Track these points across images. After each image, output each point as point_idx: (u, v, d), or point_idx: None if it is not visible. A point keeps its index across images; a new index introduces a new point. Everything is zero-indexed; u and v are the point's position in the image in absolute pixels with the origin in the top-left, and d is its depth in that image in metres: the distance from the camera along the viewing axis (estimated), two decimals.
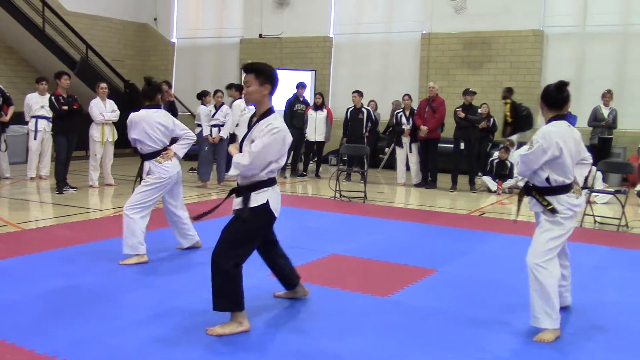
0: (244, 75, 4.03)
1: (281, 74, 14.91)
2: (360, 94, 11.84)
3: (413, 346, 3.68)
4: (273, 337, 3.77)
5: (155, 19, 18.41)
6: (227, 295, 3.77)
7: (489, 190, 10.91)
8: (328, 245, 6.25)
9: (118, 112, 10.20)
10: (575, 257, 5.34)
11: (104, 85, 10.27)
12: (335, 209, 8.71)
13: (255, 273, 5.13)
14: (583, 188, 10.13)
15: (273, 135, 3.80)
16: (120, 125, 10.38)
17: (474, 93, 11.17)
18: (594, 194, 9.06)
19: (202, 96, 11.37)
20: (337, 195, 9.53)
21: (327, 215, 8.19)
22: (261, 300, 4.46)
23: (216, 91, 10.84)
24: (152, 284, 4.84)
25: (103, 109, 10.02)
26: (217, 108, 10.65)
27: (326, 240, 6.58)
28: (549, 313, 3.83)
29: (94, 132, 10.00)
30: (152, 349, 3.53)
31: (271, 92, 4.04)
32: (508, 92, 11.65)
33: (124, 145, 9.62)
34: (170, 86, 11.41)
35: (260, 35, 16.66)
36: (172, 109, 10.43)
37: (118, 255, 5.50)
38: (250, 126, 3.98)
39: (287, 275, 4.43)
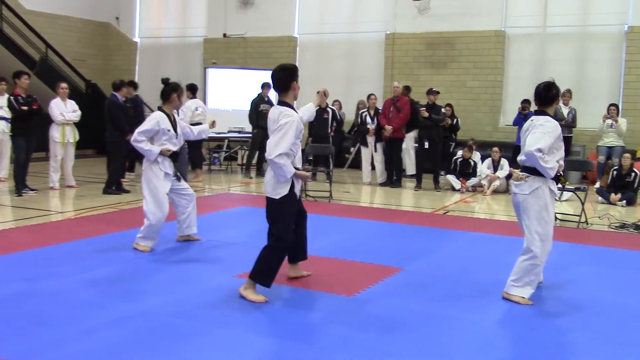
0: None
1: (246, 74, 14.97)
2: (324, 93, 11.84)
3: (379, 345, 3.69)
4: (238, 339, 3.74)
5: (117, 18, 18.14)
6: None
7: (453, 189, 11.03)
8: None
9: (79, 112, 10.03)
10: None
11: (64, 85, 10.09)
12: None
13: (221, 274, 5.11)
14: None
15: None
16: (82, 126, 10.31)
17: (438, 92, 11.27)
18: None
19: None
20: (303, 195, 9.52)
21: None
22: (226, 302, 4.42)
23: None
24: (117, 286, 4.75)
25: (64, 109, 9.84)
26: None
27: None
28: None
29: (55, 132, 9.80)
30: (115, 351, 3.47)
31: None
32: (407, 90, 11.87)
33: (85, 146, 9.49)
34: (135, 87, 11.25)
35: (225, 35, 16.55)
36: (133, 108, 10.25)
37: (79, 259, 5.40)
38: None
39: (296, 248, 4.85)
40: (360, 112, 12.08)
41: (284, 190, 4.48)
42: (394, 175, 11.42)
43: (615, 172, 10.06)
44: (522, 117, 11.62)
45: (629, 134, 11.61)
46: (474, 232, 7.22)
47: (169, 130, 5.84)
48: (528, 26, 13.52)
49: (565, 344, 3.81)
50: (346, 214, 8.28)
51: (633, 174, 9.89)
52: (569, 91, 11.91)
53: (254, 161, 12.67)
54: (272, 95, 13.08)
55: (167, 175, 5.89)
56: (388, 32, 14.71)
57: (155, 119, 5.82)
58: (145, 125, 5.80)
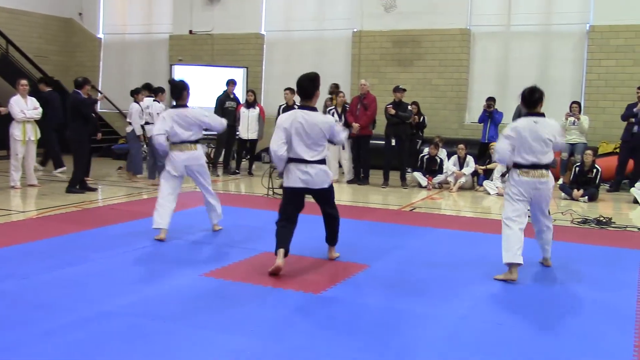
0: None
1: (212, 71, 14.82)
2: (292, 91, 11.79)
3: (346, 342, 3.69)
4: (204, 338, 3.70)
5: (80, 14, 17.80)
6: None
7: (420, 186, 11.11)
8: (260, 244, 6.20)
9: (40, 110, 9.83)
10: (499, 250, 5.51)
11: (24, 82, 9.88)
12: (268, 206, 8.65)
13: (188, 273, 5.06)
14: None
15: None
16: (42, 123, 10.10)
17: (404, 90, 11.34)
18: None
19: (134, 93, 11.22)
20: (270, 192, 9.48)
21: (259, 213, 8.13)
22: (192, 302, 4.38)
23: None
24: (78, 287, 4.66)
25: (24, 107, 9.63)
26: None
27: (258, 238, 6.52)
28: None
29: (15, 130, 9.59)
30: (75, 354, 3.40)
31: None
32: (336, 87, 12.04)
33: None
34: (91, 85, 11.02)
35: (191, 32, 16.38)
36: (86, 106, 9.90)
37: (40, 259, 5.29)
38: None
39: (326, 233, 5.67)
40: (327, 109, 12.07)
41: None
42: (361, 173, 11.45)
43: (577, 169, 10.24)
44: (487, 115, 11.77)
45: (590, 131, 11.83)
46: (440, 229, 7.28)
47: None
48: (493, 25, 13.68)
49: (530, 339, 3.86)
50: (313, 212, 8.24)
51: (595, 171, 10.08)
52: None
53: (221, 159, 12.58)
54: (238, 92, 13.02)
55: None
56: (355, 30, 14.73)
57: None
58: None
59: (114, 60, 17.58)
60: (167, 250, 5.90)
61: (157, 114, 10.30)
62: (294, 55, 15.39)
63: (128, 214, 7.62)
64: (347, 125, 11.31)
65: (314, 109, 5.31)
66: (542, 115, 5.31)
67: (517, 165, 5.20)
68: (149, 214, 7.60)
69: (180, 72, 14.83)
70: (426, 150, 11.61)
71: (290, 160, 5.31)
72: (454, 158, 11.21)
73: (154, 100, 10.98)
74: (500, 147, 5.23)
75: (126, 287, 4.65)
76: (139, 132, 10.87)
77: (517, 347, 3.69)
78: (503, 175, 10.18)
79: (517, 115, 11.89)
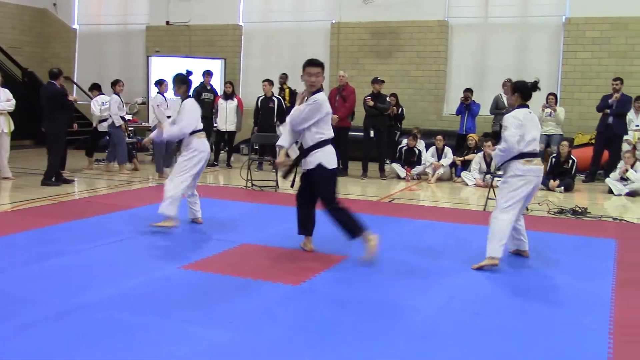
0: (310, 68, 5.46)
1: (190, 62, 14.71)
2: (270, 82, 11.76)
3: (324, 334, 3.70)
4: (183, 331, 3.68)
5: (54, 4, 17.53)
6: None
7: (398, 177, 11.15)
8: (239, 235, 6.19)
9: (14, 102, 9.67)
10: (480, 240, 5.55)
11: None
12: (247, 198, 8.64)
13: (166, 265, 5.02)
14: (486, 173, 10.52)
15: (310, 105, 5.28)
16: (18, 115, 9.94)
17: (383, 82, 11.36)
18: (496, 178, 9.43)
19: (113, 85, 11.17)
20: (249, 184, 9.46)
21: (238, 205, 8.11)
22: (171, 294, 4.35)
23: (162, 81, 10.80)
24: (55, 280, 4.61)
25: None
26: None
27: (238, 230, 6.51)
28: None
29: None
30: (53, 348, 3.37)
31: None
32: (285, 78, 12.09)
33: (22, 136, 9.19)
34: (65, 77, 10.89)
35: (168, 23, 16.22)
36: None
37: (15, 253, 5.22)
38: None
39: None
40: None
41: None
42: (340, 164, 11.44)
43: (553, 160, 10.36)
44: (464, 107, 11.84)
45: (566, 122, 11.96)
46: (419, 220, 7.32)
47: None
48: (470, 17, 13.75)
49: (507, 328, 3.90)
50: (292, 204, 8.22)
51: (570, 161, 10.20)
52: (509, 81, 12.12)
53: None
54: (216, 83, 12.93)
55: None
56: (333, 21, 14.71)
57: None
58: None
59: (89, 52, 17.36)
60: (145, 243, 5.85)
61: (157, 105, 10.41)
62: (272, 47, 15.33)
63: (105, 206, 7.54)
64: None
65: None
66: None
67: (520, 156, 5.22)
68: (126, 206, 7.56)
69: (157, 64, 14.71)
70: (404, 141, 11.66)
71: None
72: (432, 149, 11.27)
73: (114, 94, 11.08)
74: (512, 136, 5.17)
75: (104, 280, 4.61)
76: (118, 123, 10.82)
77: (494, 337, 3.73)
78: (498, 169, 10.27)
79: (495, 106, 12.02)
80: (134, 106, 14.63)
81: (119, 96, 11.07)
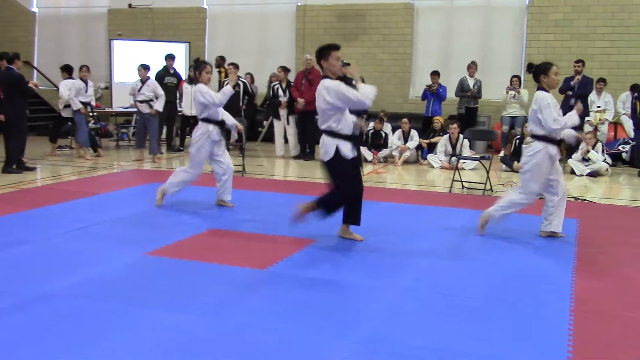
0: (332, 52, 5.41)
1: (153, 46, 14.45)
2: (236, 66, 11.65)
3: (292, 318, 3.71)
4: (149, 317, 3.65)
5: None
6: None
7: (365, 160, 11.18)
8: (206, 221, 6.15)
9: None
10: (446, 221, 5.62)
11: None
12: (213, 183, 8.56)
13: (131, 252, 4.97)
14: (452, 155, 10.60)
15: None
16: None
17: (349, 64, 11.32)
18: (461, 160, 9.54)
19: (79, 70, 11.13)
20: None
21: (204, 190, 8.03)
22: (137, 281, 4.32)
23: (142, 66, 10.90)
24: (18, 269, 4.53)
25: None
26: (143, 82, 10.83)
27: (204, 215, 6.47)
28: None
29: None
30: (17, 338, 3.32)
31: None
32: (222, 60, 12.20)
33: None
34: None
35: (130, 6, 15.92)
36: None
37: None
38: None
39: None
40: (272, 84, 11.99)
41: None
42: (307, 148, 11.44)
43: (517, 141, 10.49)
44: (430, 93, 11.89)
45: (530, 104, 12.09)
46: (385, 202, 7.36)
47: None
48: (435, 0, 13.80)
49: (472, 307, 3.96)
50: (260, 188, 8.24)
51: None
52: (474, 63, 12.27)
53: (163, 136, 12.36)
54: (178, 66, 12.75)
55: (213, 141, 6.68)
56: (299, 4, 14.62)
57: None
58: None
59: (50, 36, 16.96)
60: (109, 229, 5.78)
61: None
62: (238, 30, 15.18)
63: (69, 193, 7.41)
64: (292, 100, 11.28)
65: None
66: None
67: (552, 140, 5.53)
68: (90, 192, 7.44)
69: (120, 48, 14.45)
70: (371, 124, 11.68)
71: None
72: (399, 132, 11.33)
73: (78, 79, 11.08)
74: (559, 115, 5.55)
75: (68, 268, 4.54)
76: (76, 107, 10.68)
77: (458, 316, 3.78)
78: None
79: (460, 88, 12.12)
80: (97, 91, 14.35)
81: (84, 81, 11.01)
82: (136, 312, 3.71)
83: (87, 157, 10.74)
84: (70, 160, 10.62)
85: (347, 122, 5.24)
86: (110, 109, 13.99)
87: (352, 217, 5.46)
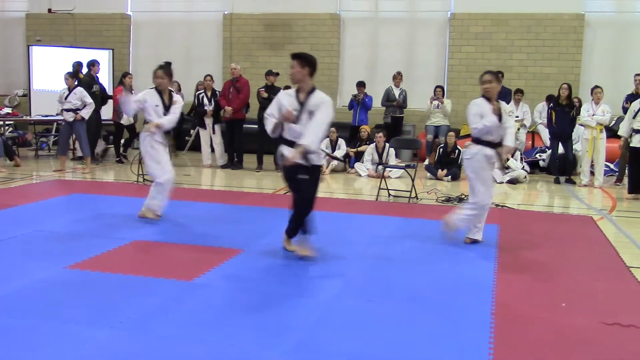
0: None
1: (75, 52, 14.05)
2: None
3: (217, 329, 3.66)
4: (69, 332, 3.52)
5: None
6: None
7: None
8: (130, 232, 5.99)
9: None
10: (372, 229, 5.69)
11: None
12: (138, 194, 8.37)
13: (50, 266, 4.78)
14: (379, 164, 10.75)
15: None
16: None
17: (277, 74, 11.36)
18: (388, 169, 9.71)
19: None
20: (140, 179, 9.18)
21: (129, 200, 7.85)
22: (58, 296, 4.16)
23: (69, 74, 10.58)
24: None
25: None
26: (70, 90, 10.42)
27: (128, 226, 6.30)
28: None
29: None
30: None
31: (311, 74, 5.15)
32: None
33: None
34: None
35: (50, 10, 15.40)
36: None
37: None
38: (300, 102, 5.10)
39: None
40: (197, 93, 11.86)
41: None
42: (235, 157, 11.36)
43: (441, 150, 10.78)
44: (356, 102, 12.03)
45: (453, 114, 12.47)
46: (314, 211, 7.37)
47: (157, 106, 6.51)
48: (361, 10, 14.02)
49: (397, 313, 4.02)
50: (186, 198, 8.11)
51: (457, 151, 10.64)
52: (399, 73, 12.51)
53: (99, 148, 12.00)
54: (102, 74, 12.42)
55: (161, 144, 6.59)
56: (226, 12, 14.54)
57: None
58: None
59: None
60: (27, 242, 5.54)
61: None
62: (164, 38, 14.94)
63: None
64: (218, 109, 11.19)
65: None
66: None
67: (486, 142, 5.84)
68: (6, 204, 7.12)
69: (39, 54, 13.95)
70: None
71: None
72: (326, 141, 11.39)
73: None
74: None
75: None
76: None
77: (383, 323, 3.84)
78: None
79: (386, 98, 12.33)
80: (14, 98, 13.80)
81: None
82: (55, 327, 3.58)
83: (1, 168, 10.20)
84: None
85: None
86: (28, 117, 13.46)
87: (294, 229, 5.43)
